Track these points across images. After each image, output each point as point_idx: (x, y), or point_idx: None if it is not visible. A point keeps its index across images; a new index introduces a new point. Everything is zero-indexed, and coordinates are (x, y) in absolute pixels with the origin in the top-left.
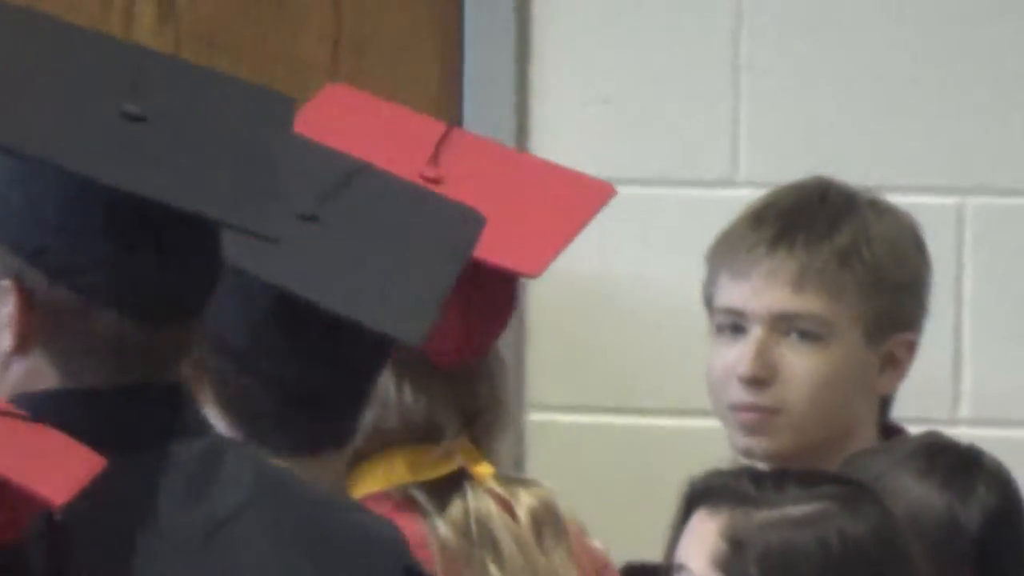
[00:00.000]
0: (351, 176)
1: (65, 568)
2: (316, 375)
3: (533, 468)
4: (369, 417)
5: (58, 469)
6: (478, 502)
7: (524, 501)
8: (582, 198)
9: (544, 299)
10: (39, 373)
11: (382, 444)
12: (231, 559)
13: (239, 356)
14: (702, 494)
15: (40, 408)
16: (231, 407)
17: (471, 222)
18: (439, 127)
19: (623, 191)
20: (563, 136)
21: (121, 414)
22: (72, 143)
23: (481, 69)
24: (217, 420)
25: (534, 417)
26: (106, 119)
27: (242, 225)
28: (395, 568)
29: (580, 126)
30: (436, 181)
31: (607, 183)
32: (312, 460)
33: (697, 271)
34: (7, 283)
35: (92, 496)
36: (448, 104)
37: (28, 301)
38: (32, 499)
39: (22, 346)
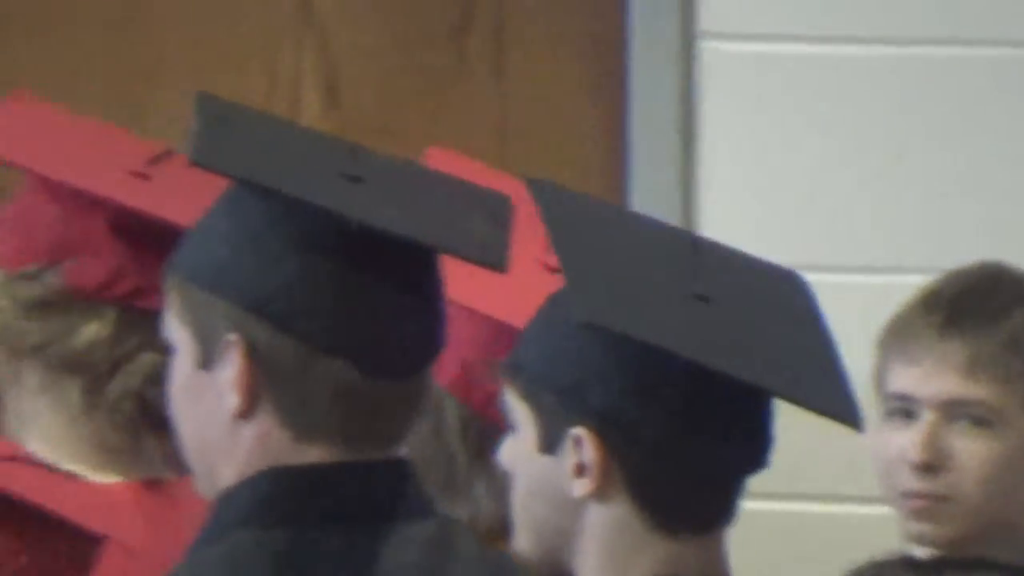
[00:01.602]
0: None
1: None
2: (726, 449)
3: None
4: None
5: None
6: None
7: None
8: None
9: None
10: (270, 436)
11: None
12: None
13: (646, 436)
14: None
15: (267, 488)
16: (633, 488)
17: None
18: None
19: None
20: (728, 227)
21: (354, 490)
22: (298, 178)
23: (646, 157)
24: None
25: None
26: (330, 172)
27: (479, 258)
28: None
29: (745, 218)
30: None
31: None
32: (706, 538)
33: (861, 357)
34: (232, 338)
35: (314, 574)
36: (614, 191)
37: (253, 356)
38: None
39: (248, 406)
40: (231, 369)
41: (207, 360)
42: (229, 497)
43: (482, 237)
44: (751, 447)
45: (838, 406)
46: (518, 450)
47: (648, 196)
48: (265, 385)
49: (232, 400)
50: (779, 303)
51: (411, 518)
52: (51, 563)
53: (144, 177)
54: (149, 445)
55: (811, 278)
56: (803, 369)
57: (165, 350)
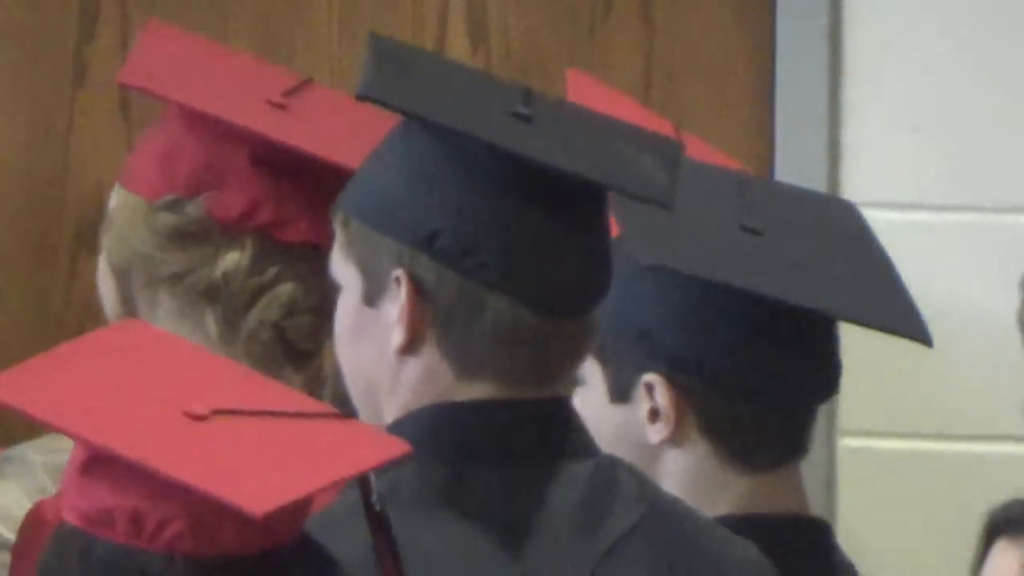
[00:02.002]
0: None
1: None
2: (796, 381)
3: (845, 495)
4: None
5: (299, 474)
6: None
7: None
8: None
9: None
10: (434, 371)
11: None
12: None
13: (716, 375)
14: (1003, 524)
15: (431, 422)
16: (710, 430)
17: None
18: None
19: (935, 218)
20: (874, 162)
21: (517, 428)
22: (469, 115)
23: (793, 96)
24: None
25: (847, 443)
26: (500, 111)
27: (635, 192)
28: None
29: (890, 152)
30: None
31: None
32: (783, 471)
33: (1008, 296)
34: (399, 274)
35: (475, 517)
36: (760, 130)
37: (419, 292)
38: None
39: (414, 342)
40: (397, 305)
41: (373, 297)
42: (391, 432)
43: (651, 177)
44: (820, 375)
45: (904, 323)
46: (590, 403)
47: (794, 133)
48: (430, 322)
49: (397, 336)
50: (832, 229)
51: (573, 456)
52: (212, 522)
53: (281, 108)
54: (286, 376)
55: (957, 218)
56: (864, 290)
57: (308, 282)
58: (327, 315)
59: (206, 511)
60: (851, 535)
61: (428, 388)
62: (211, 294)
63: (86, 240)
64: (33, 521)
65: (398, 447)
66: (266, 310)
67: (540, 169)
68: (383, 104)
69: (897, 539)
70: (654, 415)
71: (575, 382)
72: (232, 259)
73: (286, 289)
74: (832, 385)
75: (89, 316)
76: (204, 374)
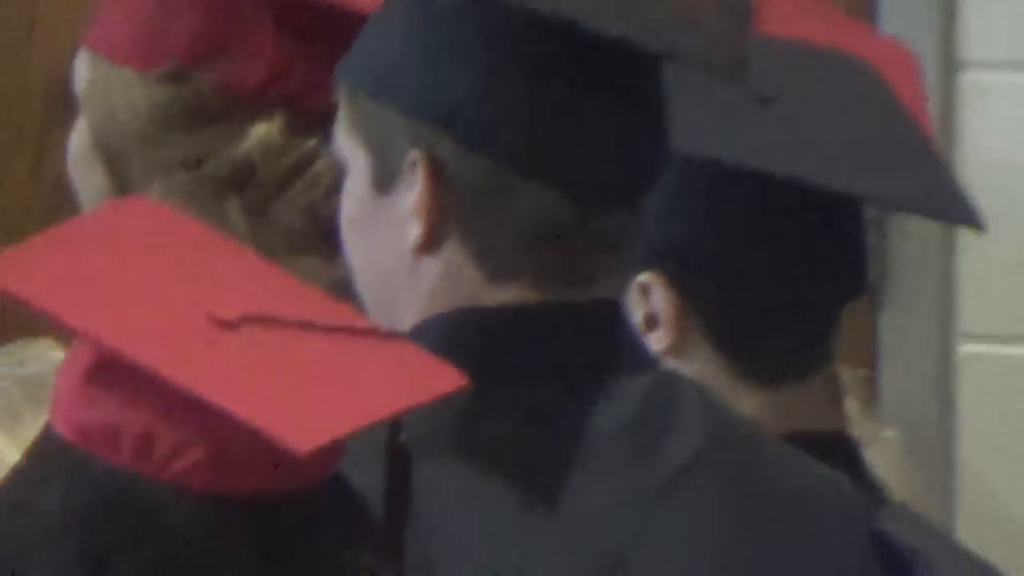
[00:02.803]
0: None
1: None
2: (812, 278)
3: (964, 404)
4: None
5: (346, 405)
6: None
7: None
8: None
9: (979, 204)
10: (457, 272)
11: None
12: (677, 520)
13: (724, 272)
14: None
15: (455, 330)
16: (715, 336)
17: None
18: None
19: None
20: (997, 12)
21: (555, 336)
22: None
23: None
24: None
25: (967, 348)
26: None
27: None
28: (859, 540)
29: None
30: None
31: None
32: (803, 385)
33: None
34: (415, 156)
35: (510, 439)
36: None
37: (439, 178)
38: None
39: (433, 237)
40: (413, 193)
41: (385, 182)
42: (411, 338)
43: (714, 38)
44: (845, 269)
45: (948, 206)
46: None
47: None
48: (452, 213)
49: (414, 229)
50: (854, 95)
51: (624, 370)
52: (237, 453)
53: None
54: (313, 267)
55: None
56: (898, 168)
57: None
58: None
59: (232, 440)
60: (972, 455)
61: (450, 291)
62: (236, 180)
63: (57, 114)
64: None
65: (454, 378)
66: (304, 193)
67: (578, 33)
68: None
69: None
70: (651, 321)
71: (623, 283)
72: (260, 136)
73: (327, 164)
74: (859, 282)
75: (59, 205)
76: (228, 269)
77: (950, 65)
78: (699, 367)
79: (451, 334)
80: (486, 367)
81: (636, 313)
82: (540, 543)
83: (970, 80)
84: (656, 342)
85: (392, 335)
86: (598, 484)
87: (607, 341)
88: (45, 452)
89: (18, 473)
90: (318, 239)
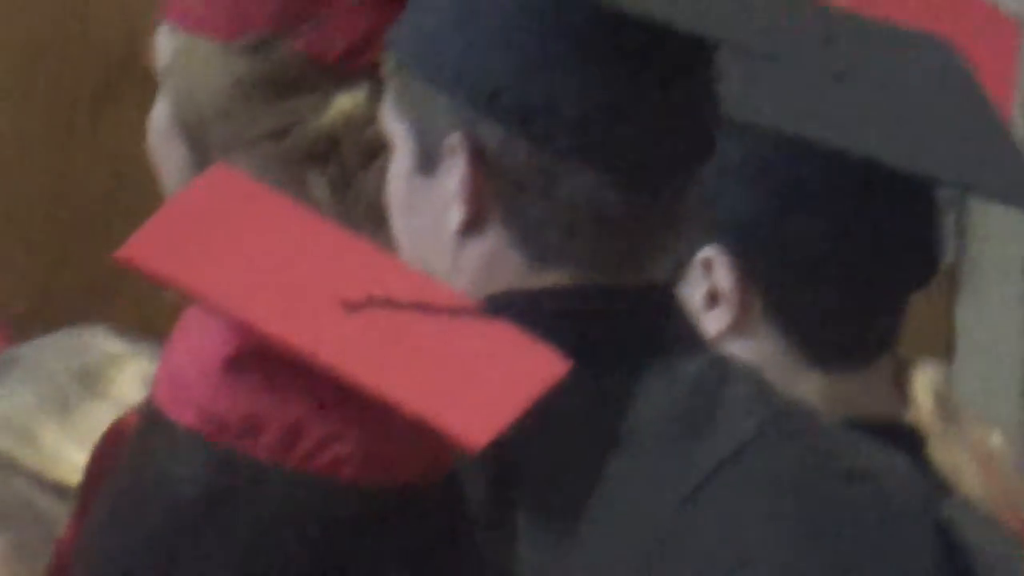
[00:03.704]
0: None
1: (507, 511)
2: (881, 260)
3: None
4: None
5: (496, 395)
6: None
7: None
8: None
9: None
10: (500, 257)
11: None
12: (722, 509)
13: (789, 251)
14: None
15: (499, 312)
16: (778, 317)
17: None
18: None
19: None
20: None
21: (602, 320)
22: None
23: None
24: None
25: None
26: None
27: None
28: (921, 530)
29: None
30: None
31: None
32: (867, 371)
33: None
34: (455, 139)
35: (562, 425)
36: None
37: (481, 161)
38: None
39: (476, 221)
40: (455, 176)
41: (428, 164)
42: None
43: (763, 20)
44: (915, 256)
45: (1020, 190)
46: None
47: None
48: (495, 197)
49: (456, 213)
50: (931, 75)
51: (676, 353)
52: (388, 446)
53: None
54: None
55: None
56: (971, 151)
57: None
58: None
59: (383, 432)
60: None
61: (493, 276)
62: (320, 152)
63: (112, 91)
64: (115, 437)
65: (561, 362)
66: (388, 164)
67: (622, 15)
68: None
69: None
70: (713, 299)
71: (675, 269)
72: (344, 106)
73: None
74: (930, 267)
75: (117, 182)
76: (332, 245)
77: None
78: (760, 347)
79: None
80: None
81: (698, 289)
82: (589, 531)
83: None
84: (717, 319)
85: (490, 315)
86: (646, 470)
87: (657, 324)
88: (167, 439)
89: (132, 469)
90: None
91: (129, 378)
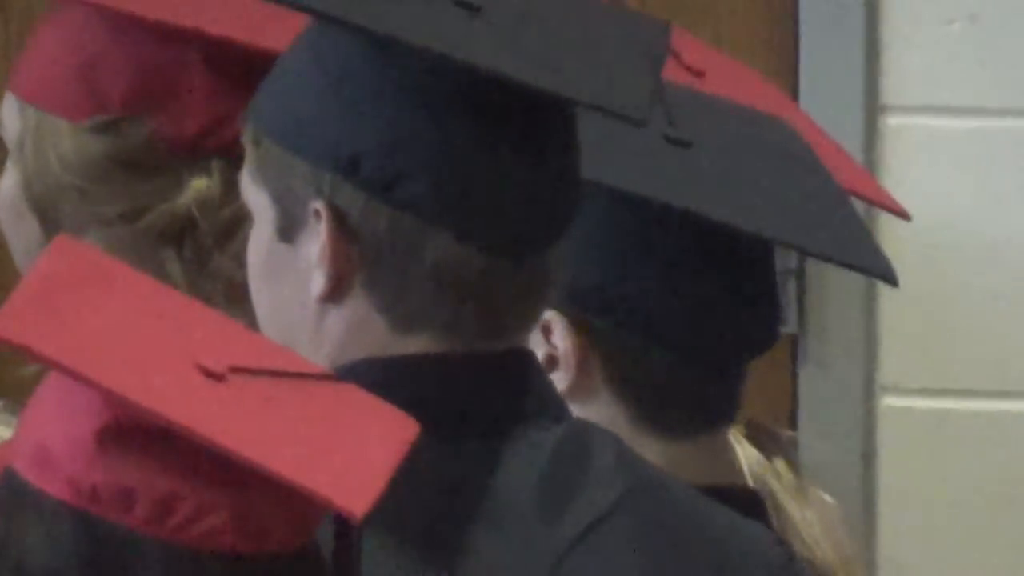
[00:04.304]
0: None
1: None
2: (721, 326)
3: (886, 459)
4: None
5: (364, 461)
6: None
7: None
8: None
9: (900, 263)
10: (364, 323)
11: None
12: (591, 572)
13: (629, 315)
14: None
15: (363, 380)
16: (617, 381)
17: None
18: None
19: (991, 124)
20: (919, 57)
21: (464, 387)
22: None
23: None
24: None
25: (888, 402)
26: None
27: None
28: None
29: (939, 46)
30: None
31: None
32: (706, 439)
33: None
34: (318, 206)
35: (419, 493)
36: (782, 15)
37: (343, 227)
38: (326, 507)
39: (338, 288)
40: (317, 243)
41: (289, 231)
42: None
43: (623, 81)
44: (757, 321)
45: (863, 256)
46: None
47: (824, 20)
48: (358, 263)
49: (318, 281)
50: (774, 147)
51: (535, 422)
52: (263, 516)
53: None
54: (251, 314)
55: (1016, 124)
56: (814, 216)
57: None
58: None
59: (260, 502)
60: (893, 508)
61: (356, 342)
62: (174, 233)
63: None
64: None
65: (412, 425)
66: (243, 244)
67: (483, 79)
68: (293, 6)
69: (947, 513)
70: (551, 362)
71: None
72: (197, 190)
73: None
74: (771, 335)
75: None
76: (189, 318)
77: (872, 109)
78: (600, 411)
79: (360, 384)
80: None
81: (538, 351)
82: None
83: (892, 124)
84: (556, 382)
85: (340, 380)
86: (510, 537)
87: (518, 390)
88: (42, 514)
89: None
90: None
91: None
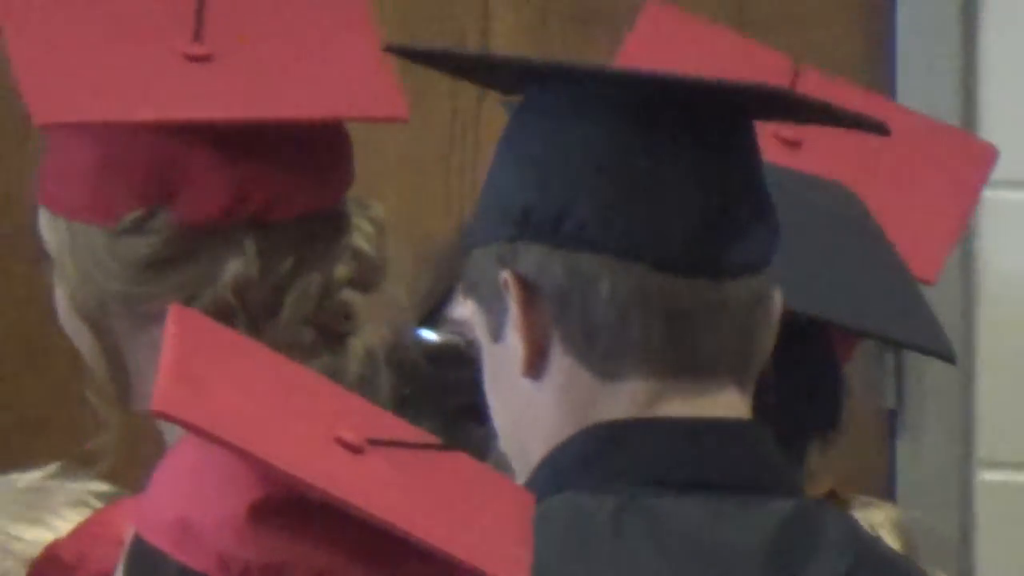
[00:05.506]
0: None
1: None
2: (773, 409)
3: (985, 536)
4: None
5: (505, 531)
6: None
7: None
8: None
9: (998, 331)
10: (571, 383)
11: None
12: None
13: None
14: None
15: (588, 446)
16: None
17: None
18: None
19: None
20: (1019, 117)
21: (693, 449)
22: None
23: (916, 49)
24: None
25: (986, 477)
26: None
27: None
28: None
29: None
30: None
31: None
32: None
33: None
34: (504, 276)
35: (640, 548)
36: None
37: (527, 289)
38: None
39: (537, 353)
40: (511, 316)
41: (498, 329)
42: (540, 468)
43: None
44: (814, 401)
45: (924, 335)
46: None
47: (918, 96)
48: (549, 322)
49: (518, 353)
50: (839, 223)
51: (768, 492)
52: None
53: (203, 60)
54: (326, 365)
55: None
56: (872, 294)
57: (329, 256)
58: (362, 284)
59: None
60: None
61: (570, 407)
62: (224, 312)
63: None
64: (46, 565)
65: (528, 494)
66: (296, 307)
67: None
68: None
69: None
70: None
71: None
72: (234, 273)
73: (313, 278)
74: (831, 416)
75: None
76: (315, 389)
77: None
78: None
79: (586, 451)
80: (626, 480)
81: None
82: None
83: (989, 198)
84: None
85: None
86: None
87: (751, 460)
88: None
89: None
90: (318, 339)
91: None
